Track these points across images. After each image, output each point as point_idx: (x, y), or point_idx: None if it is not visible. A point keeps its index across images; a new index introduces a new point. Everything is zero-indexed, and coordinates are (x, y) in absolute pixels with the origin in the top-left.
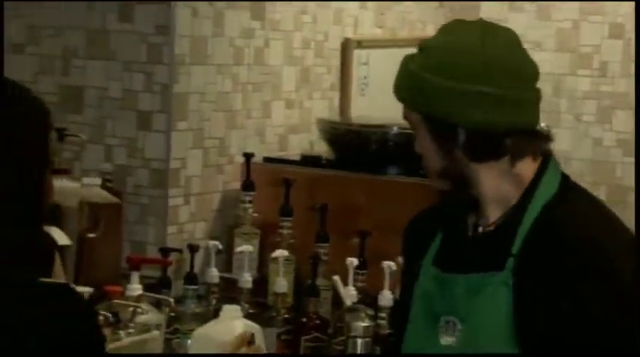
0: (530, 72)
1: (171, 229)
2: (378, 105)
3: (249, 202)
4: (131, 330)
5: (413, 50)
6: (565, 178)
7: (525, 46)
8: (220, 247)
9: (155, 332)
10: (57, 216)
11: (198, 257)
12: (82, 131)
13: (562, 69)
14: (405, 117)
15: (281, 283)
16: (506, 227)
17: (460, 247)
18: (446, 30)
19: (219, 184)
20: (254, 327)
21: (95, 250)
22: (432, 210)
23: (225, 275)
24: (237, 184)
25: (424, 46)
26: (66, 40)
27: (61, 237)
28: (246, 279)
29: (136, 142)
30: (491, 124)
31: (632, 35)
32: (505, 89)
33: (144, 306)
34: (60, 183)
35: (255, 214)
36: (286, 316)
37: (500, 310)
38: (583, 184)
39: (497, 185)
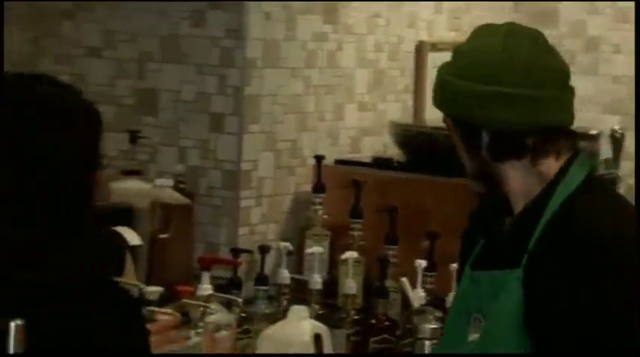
0: (553, 72)
1: (243, 230)
2: None
3: (320, 203)
4: (200, 329)
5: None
6: (590, 175)
7: (603, 48)
8: (291, 248)
9: (224, 332)
10: (129, 217)
11: (270, 258)
12: (156, 133)
13: None
14: (444, 121)
15: (350, 285)
16: (525, 223)
17: (490, 245)
18: (473, 34)
19: (290, 186)
20: (321, 328)
21: (167, 251)
22: (477, 214)
23: (296, 276)
24: (308, 186)
25: (454, 50)
26: (141, 45)
27: (132, 237)
28: (316, 280)
29: (208, 143)
30: (511, 124)
31: None
32: (523, 89)
33: (213, 306)
34: (132, 184)
35: (326, 216)
36: (355, 317)
37: (514, 306)
38: None
39: (522, 184)
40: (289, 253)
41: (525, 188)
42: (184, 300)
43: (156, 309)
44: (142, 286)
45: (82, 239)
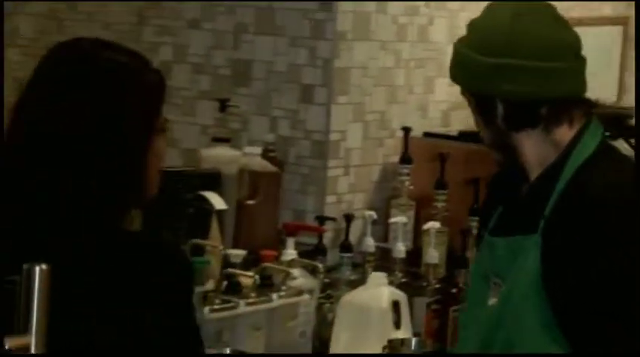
0: (564, 43)
1: (330, 198)
2: None
3: (407, 174)
4: (283, 293)
5: (587, 29)
6: (603, 142)
7: None
8: (375, 217)
9: (305, 296)
10: (217, 182)
11: (356, 227)
12: (248, 103)
13: None
14: (461, 93)
15: (432, 254)
16: (542, 190)
17: (508, 212)
18: (487, 8)
19: (379, 157)
20: (399, 295)
21: (253, 216)
22: (495, 183)
23: (381, 245)
24: (396, 158)
25: (468, 24)
26: (237, 17)
27: (218, 202)
28: (400, 249)
29: (298, 114)
30: (523, 95)
31: None
32: (533, 61)
33: (296, 271)
34: (221, 151)
35: (412, 187)
36: (437, 286)
37: (532, 271)
38: None
39: (537, 152)
40: (374, 221)
41: (540, 156)
42: (266, 264)
43: (237, 271)
44: (221, 247)
45: (135, 198)
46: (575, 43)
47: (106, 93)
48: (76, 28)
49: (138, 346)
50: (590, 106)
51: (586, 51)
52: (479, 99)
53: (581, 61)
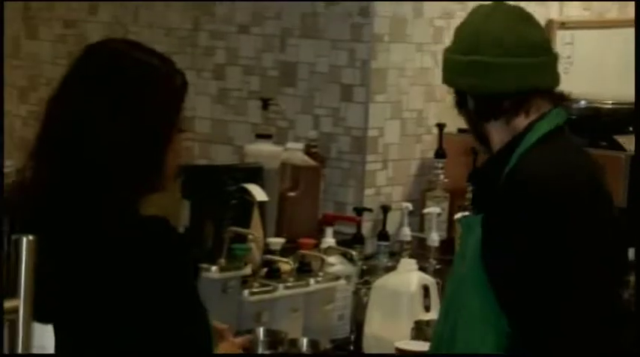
0: (526, 41)
1: (369, 191)
2: (583, 83)
3: (441, 168)
4: (320, 278)
5: (620, 32)
6: (553, 129)
7: None
8: (411, 208)
9: (342, 282)
10: (259, 175)
11: (395, 217)
12: (294, 102)
13: None
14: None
15: None
16: (491, 173)
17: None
18: (469, 13)
19: (416, 152)
20: (428, 279)
21: (294, 207)
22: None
23: (417, 234)
24: (432, 152)
25: (455, 30)
26: (283, 22)
27: (259, 193)
28: (434, 238)
29: (339, 112)
30: (486, 89)
31: None
32: (495, 58)
33: (332, 258)
34: (264, 146)
35: (446, 180)
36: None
37: (476, 248)
38: None
39: (500, 140)
40: (410, 212)
41: (503, 143)
42: (302, 251)
43: (276, 257)
44: (254, 234)
45: (150, 188)
46: (540, 41)
47: (132, 91)
48: (139, 34)
49: (129, 312)
50: (556, 98)
51: (618, 51)
52: (456, 93)
53: (547, 57)
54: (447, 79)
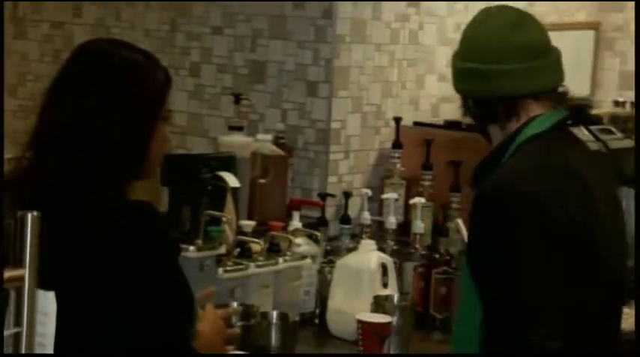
0: (512, 46)
1: (332, 179)
2: None
3: (398, 158)
4: (287, 257)
5: (562, 35)
6: (534, 135)
7: None
8: (371, 194)
9: (308, 261)
10: (232, 164)
11: (356, 203)
12: (263, 97)
13: None
14: None
15: (419, 226)
16: (480, 176)
17: None
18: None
19: (375, 143)
20: (386, 258)
21: (264, 193)
22: None
23: (376, 218)
24: (390, 143)
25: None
26: (253, 24)
27: (232, 180)
28: (391, 221)
29: (304, 106)
30: (479, 93)
31: None
32: (484, 64)
33: (299, 239)
34: (236, 137)
35: (403, 168)
36: (423, 252)
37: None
38: None
39: (497, 142)
40: (370, 198)
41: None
42: (273, 233)
43: (248, 238)
44: (228, 217)
45: (136, 174)
46: (533, 46)
47: (118, 85)
48: (121, 35)
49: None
50: (555, 99)
51: (563, 52)
52: (460, 97)
53: (539, 61)
54: (453, 83)
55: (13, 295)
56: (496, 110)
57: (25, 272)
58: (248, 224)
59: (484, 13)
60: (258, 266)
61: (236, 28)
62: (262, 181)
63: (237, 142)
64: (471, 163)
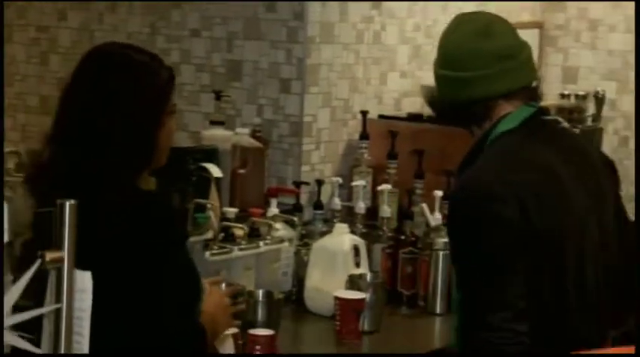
0: (479, 53)
1: (305, 168)
2: None
3: (365, 148)
4: (268, 241)
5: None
6: (501, 134)
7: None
8: (341, 181)
9: (285, 244)
10: (215, 156)
11: (327, 190)
12: (240, 94)
13: None
14: None
15: (386, 210)
16: (462, 171)
17: None
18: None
19: (344, 135)
20: (358, 240)
21: (244, 182)
22: None
23: (346, 204)
24: (357, 135)
25: None
26: (229, 26)
27: (215, 171)
28: (360, 206)
29: (279, 101)
30: (451, 98)
31: None
32: (453, 71)
33: (278, 225)
34: (217, 131)
35: (369, 158)
36: (390, 234)
37: None
38: None
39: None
40: (340, 185)
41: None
42: (254, 218)
43: (231, 224)
44: (213, 204)
45: (147, 164)
46: (496, 51)
47: (127, 83)
48: (104, 38)
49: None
50: (526, 97)
51: None
52: (439, 101)
53: (505, 64)
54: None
55: (53, 274)
56: (469, 113)
57: (65, 254)
58: (231, 211)
59: (456, 20)
60: (241, 249)
61: (213, 30)
62: (242, 171)
63: (218, 135)
64: (432, 152)
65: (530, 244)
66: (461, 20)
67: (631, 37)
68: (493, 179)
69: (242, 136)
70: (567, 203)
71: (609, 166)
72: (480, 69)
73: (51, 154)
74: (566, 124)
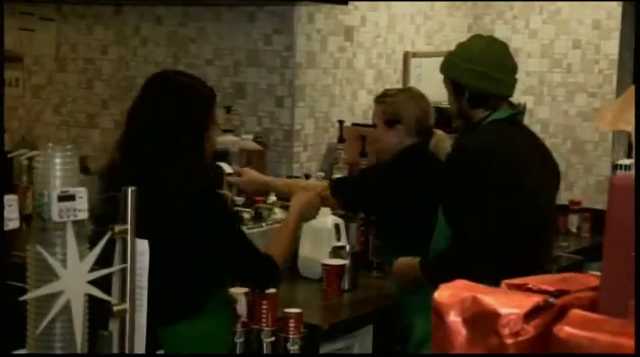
0: (506, 64)
1: (295, 165)
2: (428, 93)
3: (342, 149)
4: (269, 222)
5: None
6: (492, 121)
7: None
8: (323, 175)
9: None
10: (226, 156)
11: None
12: (244, 108)
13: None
14: (444, 82)
15: None
16: (460, 141)
17: None
18: (471, 38)
19: (325, 139)
20: (339, 220)
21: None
22: None
23: None
24: (335, 139)
25: (459, 44)
26: (235, 57)
27: (227, 168)
28: None
29: (274, 114)
30: (481, 89)
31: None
32: (491, 71)
33: (276, 209)
34: (228, 138)
35: (345, 156)
36: (361, 215)
37: None
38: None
39: (476, 119)
40: (323, 178)
41: (474, 121)
42: (257, 204)
43: (240, 209)
44: (230, 195)
45: (200, 167)
46: (512, 66)
47: (180, 100)
48: (137, 67)
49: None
50: (506, 101)
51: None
52: (455, 86)
53: (513, 76)
54: (452, 76)
55: (119, 243)
56: (488, 101)
57: (128, 227)
58: (239, 199)
59: (484, 37)
60: (249, 229)
61: (223, 59)
62: (246, 169)
63: (228, 141)
64: None
65: (509, 190)
66: (491, 38)
67: (543, 61)
68: (491, 144)
69: (247, 141)
70: (527, 173)
71: (557, 170)
72: (508, 74)
73: (123, 156)
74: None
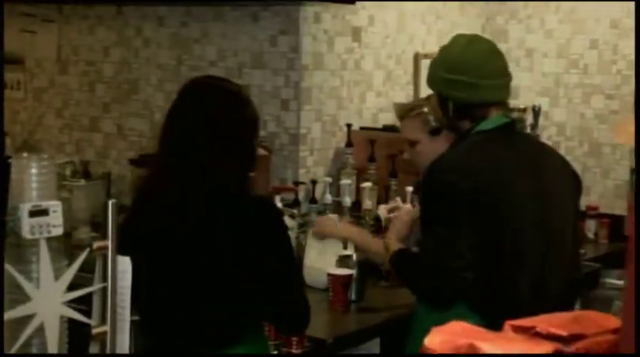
0: (490, 68)
1: (302, 170)
2: None
3: (350, 153)
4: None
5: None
6: (475, 133)
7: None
8: (330, 181)
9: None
10: None
11: (320, 188)
12: None
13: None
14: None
15: (367, 203)
16: None
17: None
18: (452, 39)
19: (332, 143)
20: None
21: (253, 182)
22: None
23: (335, 199)
24: (343, 143)
25: (440, 48)
26: (240, 58)
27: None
28: (347, 201)
29: (280, 117)
30: (461, 99)
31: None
32: (471, 78)
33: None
34: None
35: (353, 161)
36: (371, 223)
37: None
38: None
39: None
40: (330, 184)
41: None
42: None
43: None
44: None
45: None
46: (500, 69)
47: (237, 107)
48: (139, 69)
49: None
50: (502, 107)
51: None
52: (440, 98)
53: (501, 80)
54: (434, 88)
55: (100, 260)
56: (472, 111)
57: (109, 243)
58: None
59: (463, 39)
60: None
61: (227, 61)
62: (251, 174)
63: None
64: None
65: (477, 210)
66: (470, 39)
67: (559, 61)
68: (457, 164)
69: None
70: (509, 190)
71: (575, 178)
72: (490, 79)
73: (165, 166)
74: (537, 138)
